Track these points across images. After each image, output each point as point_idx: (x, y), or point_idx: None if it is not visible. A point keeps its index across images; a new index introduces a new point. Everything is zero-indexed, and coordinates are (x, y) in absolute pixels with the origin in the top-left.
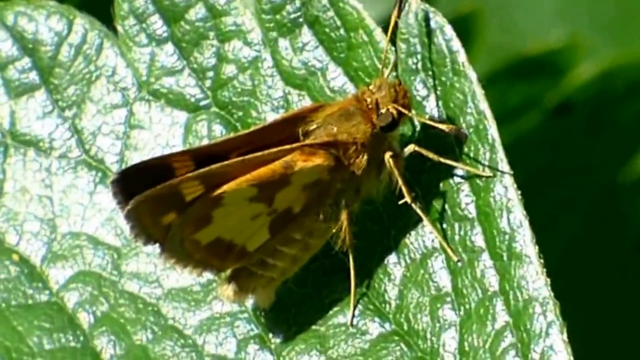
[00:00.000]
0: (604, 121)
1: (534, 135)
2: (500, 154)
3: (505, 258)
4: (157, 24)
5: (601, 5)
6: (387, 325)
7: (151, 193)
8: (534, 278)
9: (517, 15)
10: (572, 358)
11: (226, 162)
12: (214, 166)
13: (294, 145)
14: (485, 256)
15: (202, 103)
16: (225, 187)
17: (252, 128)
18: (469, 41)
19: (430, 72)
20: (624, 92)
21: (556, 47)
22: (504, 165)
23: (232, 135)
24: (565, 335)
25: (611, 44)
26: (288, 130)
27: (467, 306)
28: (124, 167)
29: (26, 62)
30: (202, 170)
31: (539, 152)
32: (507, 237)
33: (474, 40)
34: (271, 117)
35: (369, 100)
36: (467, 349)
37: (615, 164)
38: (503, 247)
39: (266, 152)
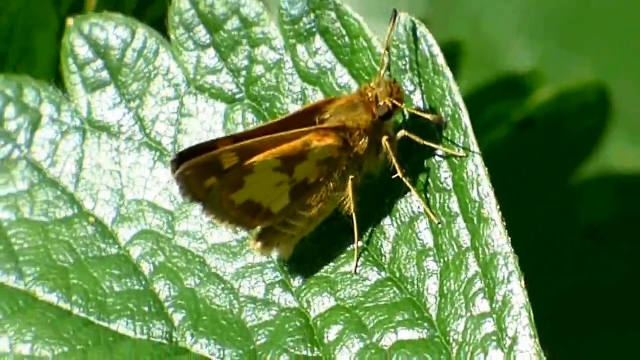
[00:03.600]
0: (560, 134)
1: (503, 145)
2: (472, 138)
3: (475, 221)
4: (201, 33)
5: (565, 27)
6: (383, 273)
7: (197, 161)
8: (498, 237)
9: (491, 34)
10: (528, 300)
11: (257, 139)
12: (247, 142)
13: (311, 127)
14: (460, 220)
15: (238, 96)
16: (255, 158)
17: (278, 118)
18: (456, 63)
19: (416, 72)
20: (576, 111)
21: (522, 73)
22: (474, 147)
23: (262, 123)
24: (522, 282)
25: (575, 61)
26: (307, 118)
27: (446, 259)
28: (177, 147)
29: (99, 63)
30: (238, 144)
31: (507, 159)
32: (477, 204)
33: (460, 63)
34: (292, 108)
35: (370, 94)
36: (445, 292)
37: (568, 169)
38: (474, 213)
39: (289, 132)
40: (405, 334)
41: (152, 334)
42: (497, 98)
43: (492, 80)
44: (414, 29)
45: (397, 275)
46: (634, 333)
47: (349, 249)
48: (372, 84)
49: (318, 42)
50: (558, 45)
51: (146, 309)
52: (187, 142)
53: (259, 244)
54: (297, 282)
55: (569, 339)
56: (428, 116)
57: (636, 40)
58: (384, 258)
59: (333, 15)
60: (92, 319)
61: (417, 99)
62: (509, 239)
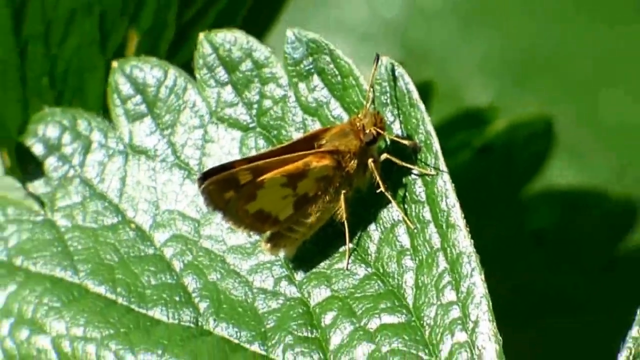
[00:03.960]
0: (512, 157)
1: (466, 166)
2: (441, 160)
3: (444, 227)
4: (221, 73)
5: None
6: (369, 269)
7: (218, 177)
8: (463, 240)
9: (455, 75)
10: (487, 291)
11: (267, 160)
12: (259, 162)
13: (311, 151)
14: (432, 226)
15: (251, 125)
16: (265, 176)
17: (284, 143)
18: (427, 98)
19: (395, 105)
20: (525, 138)
21: (481, 108)
22: (443, 167)
23: (271, 147)
24: (482, 277)
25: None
26: (307, 143)
27: (420, 257)
28: (202, 167)
29: (138, 98)
30: (251, 164)
31: (470, 177)
32: (445, 213)
33: (430, 98)
34: (295, 135)
35: (358, 124)
36: (420, 284)
37: (518, 186)
38: (443, 220)
39: (293, 155)
40: (388, 319)
41: (181, 319)
42: (461, 128)
43: (457, 114)
44: (393, 70)
45: (381, 270)
46: (570, 320)
47: (341, 249)
48: (359, 115)
49: (316, 80)
50: (511, 84)
51: (177, 298)
52: (210, 163)
53: (268, 245)
54: (299, 276)
55: (518, 324)
56: (405, 142)
57: (575, 79)
58: (370, 257)
59: (328, 58)
60: (133, 307)
61: (396, 128)
62: (472, 241)
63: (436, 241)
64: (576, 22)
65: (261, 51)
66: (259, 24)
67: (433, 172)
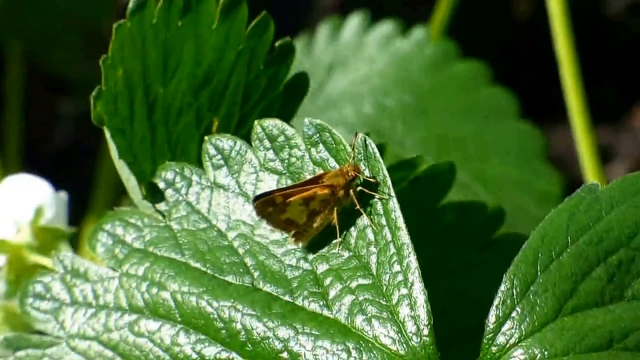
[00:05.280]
0: (431, 186)
1: (404, 191)
2: (391, 189)
3: (393, 228)
4: (266, 142)
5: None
6: (350, 253)
7: (263, 199)
8: (404, 236)
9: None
10: (418, 265)
11: (291, 190)
12: (287, 191)
13: (317, 185)
14: (386, 228)
15: (283, 172)
16: (291, 199)
17: (302, 181)
18: (383, 155)
19: (366, 160)
20: (437, 174)
21: (413, 158)
22: (392, 193)
23: (294, 183)
24: (415, 257)
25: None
26: (315, 181)
27: (380, 246)
28: (254, 194)
29: (219, 156)
30: (283, 192)
31: (406, 198)
32: (394, 220)
33: (384, 155)
34: (308, 177)
35: (345, 170)
36: (380, 262)
37: (435, 201)
38: (392, 224)
39: (307, 187)
40: (362, 281)
41: (243, 281)
42: (400, 169)
43: (398, 162)
44: (365, 140)
45: (357, 254)
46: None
47: (334, 241)
48: (346, 166)
49: (320, 147)
50: (434, 152)
51: (241, 270)
52: (260, 192)
53: (292, 240)
54: (310, 257)
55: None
56: (371, 180)
57: (468, 153)
58: (351, 245)
59: (327, 134)
60: (216, 275)
61: (367, 172)
62: (409, 236)
63: (389, 237)
64: (469, 119)
65: (290, 130)
66: (286, 117)
67: (387, 196)
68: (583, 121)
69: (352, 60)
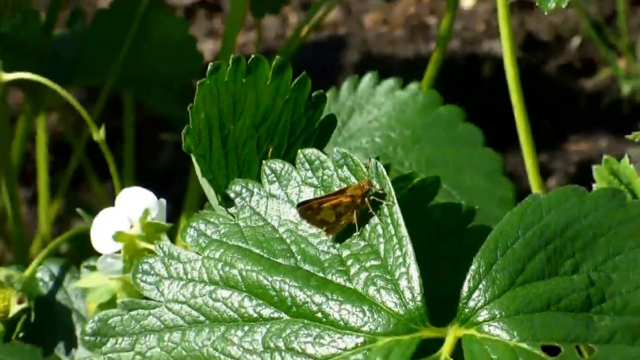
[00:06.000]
0: (424, 192)
1: (404, 198)
2: (394, 197)
3: (396, 225)
4: (305, 165)
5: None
6: (365, 242)
7: (304, 205)
8: (404, 230)
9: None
10: (413, 251)
11: (324, 198)
12: (321, 199)
13: (342, 195)
14: (391, 225)
15: (318, 186)
16: (323, 205)
17: (331, 192)
18: (389, 173)
19: (376, 177)
20: (427, 184)
21: (410, 172)
22: (395, 200)
23: (326, 194)
24: (411, 246)
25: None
26: (341, 192)
27: (386, 238)
28: (298, 201)
29: (272, 175)
30: (318, 200)
31: (405, 204)
32: (396, 219)
33: (389, 172)
34: (336, 189)
35: (361, 184)
36: (386, 249)
37: (425, 203)
38: (395, 222)
39: (335, 197)
40: (373, 263)
41: (289, 262)
42: (401, 181)
43: (399, 176)
44: (376, 164)
45: (370, 243)
46: None
47: (354, 234)
48: (362, 181)
49: (345, 168)
50: (423, 169)
51: (288, 255)
52: (301, 200)
53: (325, 233)
54: (337, 245)
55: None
56: (381, 191)
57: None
58: (366, 237)
59: (350, 159)
60: (270, 258)
61: (377, 186)
62: (407, 230)
63: (392, 231)
64: (450, 147)
65: (323, 156)
66: (320, 146)
67: (391, 202)
68: (529, 147)
69: (366, 105)
